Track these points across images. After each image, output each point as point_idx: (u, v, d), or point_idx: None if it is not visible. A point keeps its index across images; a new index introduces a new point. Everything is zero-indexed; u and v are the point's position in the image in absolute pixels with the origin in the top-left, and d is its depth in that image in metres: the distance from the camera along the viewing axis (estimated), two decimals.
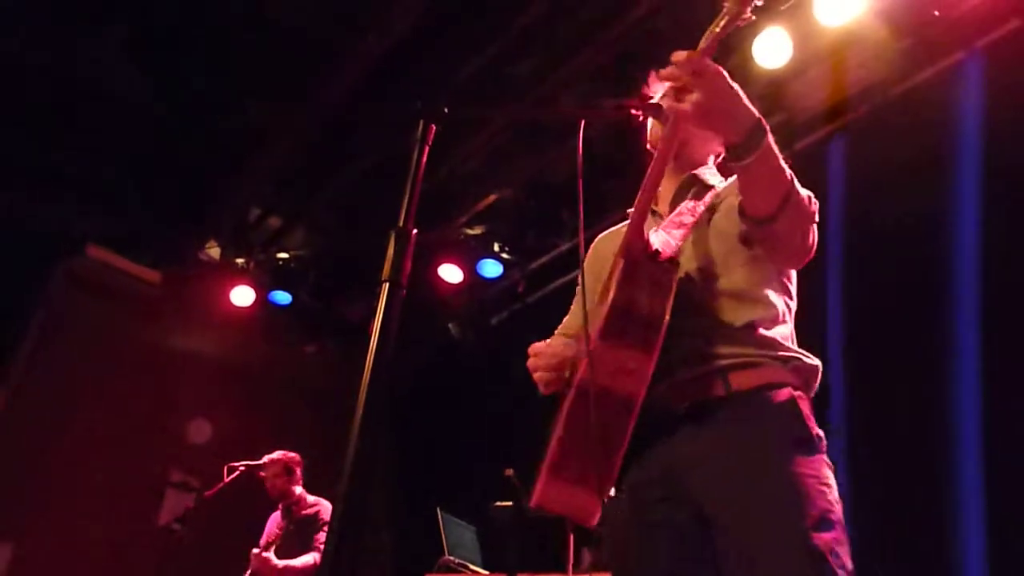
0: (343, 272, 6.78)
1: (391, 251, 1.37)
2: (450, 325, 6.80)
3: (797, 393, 1.70)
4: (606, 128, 4.50)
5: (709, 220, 1.84)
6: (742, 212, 1.65)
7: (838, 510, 1.58)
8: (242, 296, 6.42)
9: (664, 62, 1.53)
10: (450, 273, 6.13)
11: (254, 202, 6.37)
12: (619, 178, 4.75)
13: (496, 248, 6.07)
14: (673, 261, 1.68)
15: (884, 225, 3.93)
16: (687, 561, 1.65)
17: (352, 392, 1.30)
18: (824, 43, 4.14)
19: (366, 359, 1.29)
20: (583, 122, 1.71)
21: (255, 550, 4.64)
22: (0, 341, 5.82)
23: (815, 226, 1.70)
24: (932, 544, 3.35)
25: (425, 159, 1.49)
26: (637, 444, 1.66)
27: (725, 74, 1.50)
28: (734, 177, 1.77)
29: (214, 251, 6.61)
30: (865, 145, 4.29)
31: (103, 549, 5.69)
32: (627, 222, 2.11)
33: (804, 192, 1.64)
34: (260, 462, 4.99)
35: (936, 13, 3.89)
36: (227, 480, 4.83)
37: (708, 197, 1.88)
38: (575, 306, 2.15)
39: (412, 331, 6.56)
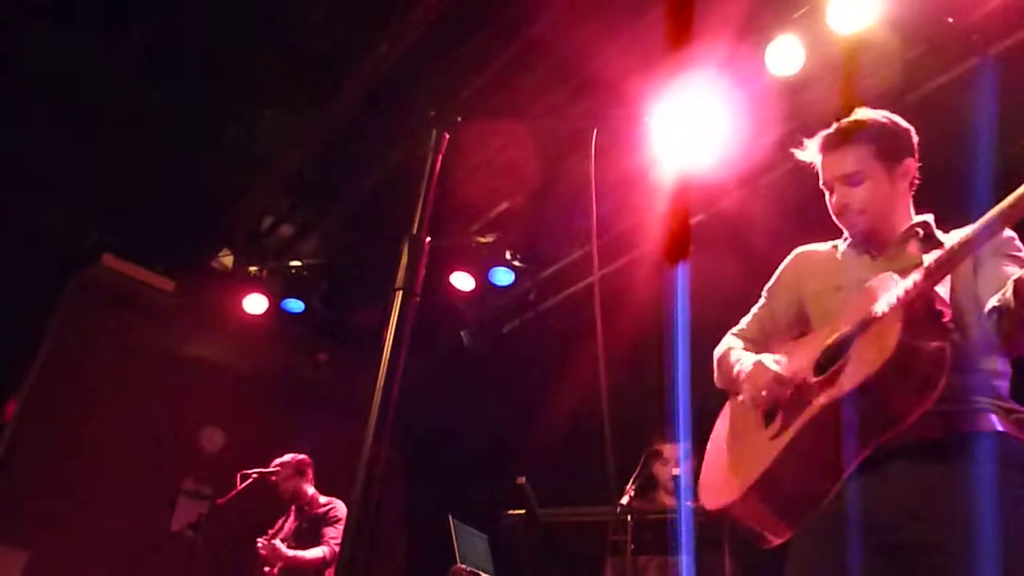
0: (355, 280, 6.79)
1: (405, 259, 1.37)
2: (462, 333, 6.79)
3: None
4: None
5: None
6: (1018, 293, 1.63)
7: None
8: (255, 304, 6.44)
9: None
10: (462, 281, 6.12)
11: (267, 211, 6.40)
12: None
13: (508, 256, 6.07)
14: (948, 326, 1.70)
15: None
16: None
17: (365, 400, 1.30)
18: (837, 51, 4.12)
19: (379, 367, 1.28)
20: (595, 131, 1.73)
21: (261, 540, 4.62)
22: (16, 350, 5.87)
23: None
24: None
25: (438, 168, 1.49)
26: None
27: None
28: (961, 232, 1.79)
29: (227, 259, 6.64)
30: None
31: (117, 556, 5.71)
32: (837, 243, 2.11)
33: None
34: (271, 468, 5.00)
35: (950, 20, 3.87)
36: (240, 487, 4.85)
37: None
38: (761, 312, 2.19)
39: (424, 338, 6.58)
